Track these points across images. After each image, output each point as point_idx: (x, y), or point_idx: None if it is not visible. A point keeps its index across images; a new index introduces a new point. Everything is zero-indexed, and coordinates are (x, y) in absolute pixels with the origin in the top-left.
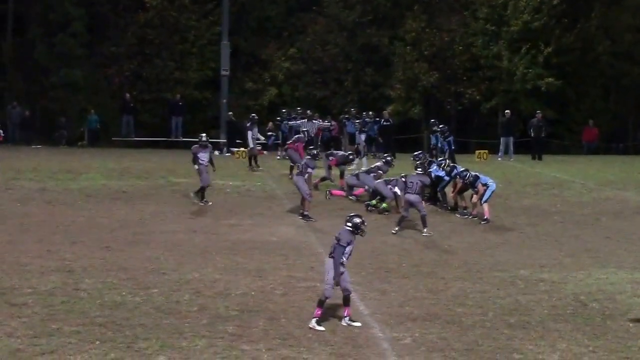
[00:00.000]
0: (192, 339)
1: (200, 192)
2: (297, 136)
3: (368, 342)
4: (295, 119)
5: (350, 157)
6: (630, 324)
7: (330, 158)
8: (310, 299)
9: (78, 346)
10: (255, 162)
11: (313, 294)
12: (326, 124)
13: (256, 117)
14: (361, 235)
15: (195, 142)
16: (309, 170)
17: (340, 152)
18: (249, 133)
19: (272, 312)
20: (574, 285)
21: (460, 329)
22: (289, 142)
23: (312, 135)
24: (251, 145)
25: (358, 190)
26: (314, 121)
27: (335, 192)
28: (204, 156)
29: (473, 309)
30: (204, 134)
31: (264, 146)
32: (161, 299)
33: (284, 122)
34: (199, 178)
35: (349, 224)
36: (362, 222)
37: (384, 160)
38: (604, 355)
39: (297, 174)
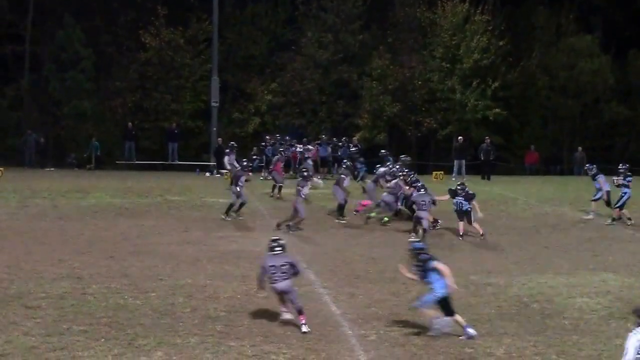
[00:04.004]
0: (185, 336)
1: (239, 208)
2: (275, 157)
3: (339, 339)
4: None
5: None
6: (566, 322)
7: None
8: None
9: (86, 343)
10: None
11: None
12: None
13: (235, 145)
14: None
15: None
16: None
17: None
18: (226, 158)
19: (255, 312)
20: (518, 288)
21: (419, 327)
22: (271, 166)
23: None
24: (228, 168)
25: (365, 202)
26: (296, 146)
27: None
28: (242, 179)
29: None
30: (245, 160)
31: (250, 168)
32: (158, 302)
33: (267, 147)
34: (236, 198)
35: (280, 248)
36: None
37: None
38: (543, 349)
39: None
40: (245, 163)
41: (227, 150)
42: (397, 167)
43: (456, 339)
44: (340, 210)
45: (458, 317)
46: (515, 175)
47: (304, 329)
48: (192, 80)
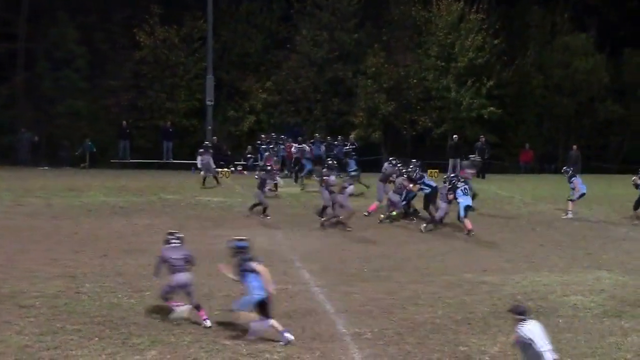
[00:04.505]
0: (179, 335)
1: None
2: (266, 154)
3: (333, 337)
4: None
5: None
6: (560, 320)
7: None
8: (283, 300)
9: (79, 342)
10: (206, 181)
11: (286, 295)
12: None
13: (209, 145)
14: None
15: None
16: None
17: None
18: (199, 158)
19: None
20: (512, 286)
21: (413, 325)
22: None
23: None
24: (200, 167)
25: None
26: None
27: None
28: (270, 183)
29: (424, 308)
30: (269, 164)
31: (244, 167)
32: (152, 301)
33: (262, 146)
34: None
35: (178, 241)
36: None
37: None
38: None
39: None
40: (269, 167)
41: (201, 150)
42: (412, 168)
43: (451, 337)
44: (323, 211)
45: (274, 322)
46: (510, 173)
47: (207, 323)
48: (186, 78)
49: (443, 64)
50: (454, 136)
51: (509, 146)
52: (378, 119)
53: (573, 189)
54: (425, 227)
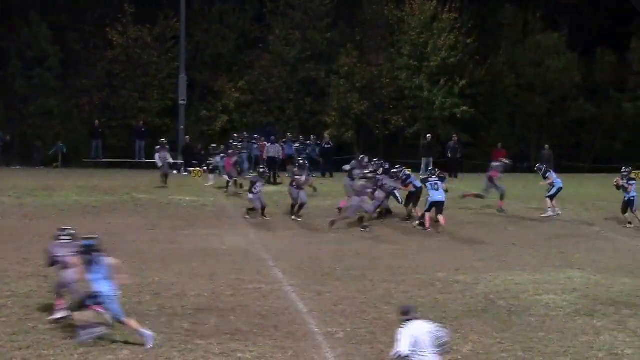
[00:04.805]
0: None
1: (262, 211)
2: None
3: (306, 336)
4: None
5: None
6: (532, 319)
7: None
8: (256, 299)
9: (51, 342)
10: (165, 181)
11: (259, 294)
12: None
13: (165, 142)
14: None
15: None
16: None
17: None
18: (157, 155)
19: (223, 311)
20: (484, 285)
21: (386, 324)
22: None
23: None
24: (159, 164)
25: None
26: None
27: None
28: (259, 185)
29: (397, 307)
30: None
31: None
32: (125, 300)
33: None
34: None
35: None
36: None
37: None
38: (510, 346)
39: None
40: (262, 169)
41: (158, 147)
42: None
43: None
44: (292, 208)
45: (133, 322)
46: (482, 172)
47: (58, 315)
48: (159, 78)
49: (416, 63)
50: (427, 135)
51: (481, 145)
52: (351, 118)
53: (550, 184)
54: (416, 225)
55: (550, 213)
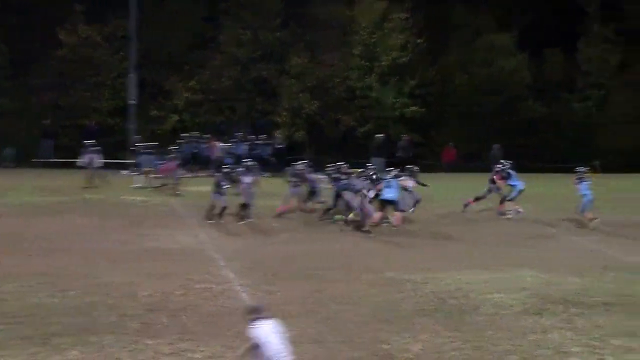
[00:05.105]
0: (101, 335)
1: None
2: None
3: None
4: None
5: None
6: (482, 318)
7: None
8: (207, 298)
9: (1, 342)
10: (91, 180)
11: (209, 294)
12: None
13: (92, 143)
14: None
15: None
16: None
17: None
18: (86, 156)
19: (173, 310)
20: (435, 285)
21: (337, 323)
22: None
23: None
24: (84, 164)
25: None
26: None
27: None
28: (224, 184)
29: (348, 307)
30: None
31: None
32: (76, 301)
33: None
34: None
35: None
36: None
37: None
38: (461, 344)
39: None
40: (227, 170)
41: (82, 149)
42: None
43: (373, 335)
44: (242, 208)
45: None
46: (433, 172)
47: None
48: (111, 77)
49: (367, 63)
50: (378, 135)
51: (432, 145)
52: (302, 118)
53: (512, 185)
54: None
55: (511, 215)
